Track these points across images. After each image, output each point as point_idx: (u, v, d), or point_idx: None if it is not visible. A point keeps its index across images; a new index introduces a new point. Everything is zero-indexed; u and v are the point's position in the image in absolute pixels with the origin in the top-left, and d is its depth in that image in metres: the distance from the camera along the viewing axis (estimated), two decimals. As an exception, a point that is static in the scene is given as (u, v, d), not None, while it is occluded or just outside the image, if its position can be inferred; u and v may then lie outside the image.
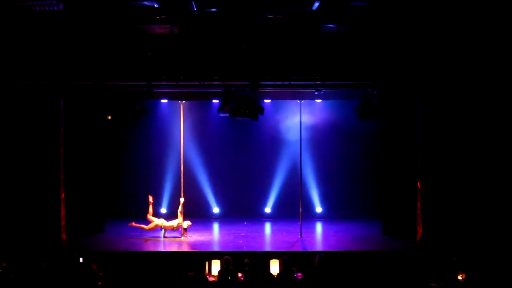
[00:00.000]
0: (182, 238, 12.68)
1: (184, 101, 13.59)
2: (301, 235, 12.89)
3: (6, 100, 12.11)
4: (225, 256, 9.44)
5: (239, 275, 9.48)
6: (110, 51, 11.80)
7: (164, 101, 15.07)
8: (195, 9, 10.36)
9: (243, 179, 15.87)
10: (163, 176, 15.42)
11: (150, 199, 12.95)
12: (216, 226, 14.36)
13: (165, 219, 12.97)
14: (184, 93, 12.77)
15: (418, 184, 12.65)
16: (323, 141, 15.78)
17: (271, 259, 10.32)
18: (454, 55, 11.64)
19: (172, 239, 12.67)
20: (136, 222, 12.95)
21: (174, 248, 11.90)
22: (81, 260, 9.78)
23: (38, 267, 9.30)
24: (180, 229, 12.75)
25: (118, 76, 11.90)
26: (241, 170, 15.87)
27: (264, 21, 10.92)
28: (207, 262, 10.35)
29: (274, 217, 15.49)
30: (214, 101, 14.60)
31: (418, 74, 11.88)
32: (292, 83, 12.04)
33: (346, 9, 10.56)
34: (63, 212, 12.60)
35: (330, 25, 11.37)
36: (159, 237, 12.82)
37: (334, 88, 12.51)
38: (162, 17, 10.91)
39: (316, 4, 10.14)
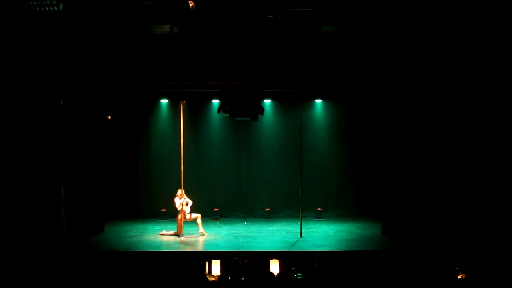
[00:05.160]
0: (182, 238, 12.70)
1: (184, 101, 13.60)
2: (301, 235, 12.90)
3: (6, 100, 12.10)
4: (234, 258, 9.41)
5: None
6: (110, 51, 11.81)
7: (164, 101, 15.11)
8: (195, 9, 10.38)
9: (243, 179, 15.88)
10: (163, 176, 15.44)
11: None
12: (216, 226, 14.36)
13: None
14: (184, 93, 12.78)
15: (418, 184, 12.66)
16: (323, 141, 15.81)
17: (271, 259, 10.34)
18: (450, 54, 11.68)
19: (172, 237, 12.71)
20: (166, 230, 13.28)
21: (174, 248, 11.89)
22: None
23: (39, 267, 9.31)
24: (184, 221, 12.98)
25: (118, 76, 11.92)
26: (241, 170, 15.89)
27: (264, 21, 10.93)
28: (207, 262, 10.36)
29: (274, 217, 15.50)
30: (214, 101, 14.64)
31: (419, 74, 11.92)
32: (292, 83, 12.06)
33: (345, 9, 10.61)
34: (63, 212, 12.60)
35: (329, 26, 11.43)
36: (161, 235, 13.03)
37: (334, 88, 12.57)
38: (162, 17, 10.93)
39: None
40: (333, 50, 11.91)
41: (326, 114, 15.67)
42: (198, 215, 13.12)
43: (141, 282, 8.83)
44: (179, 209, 12.89)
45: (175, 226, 13.10)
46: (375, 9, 10.73)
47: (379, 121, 13.82)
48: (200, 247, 12.15)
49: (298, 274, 9.26)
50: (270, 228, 14.18)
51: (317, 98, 14.95)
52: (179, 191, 13.03)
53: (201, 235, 12.94)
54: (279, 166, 15.73)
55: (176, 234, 12.91)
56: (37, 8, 9.67)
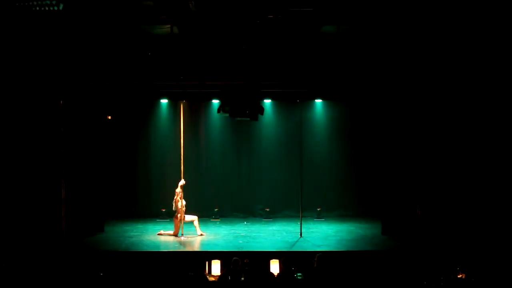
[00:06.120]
0: (182, 238, 12.69)
1: (184, 101, 13.60)
2: (301, 235, 12.90)
3: (6, 100, 12.11)
4: (234, 258, 9.42)
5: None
6: (110, 51, 11.82)
7: (164, 101, 15.11)
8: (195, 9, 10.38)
9: (243, 178, 15.88)
10: (163, 176, 15.43)
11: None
12: (216, 226, 14.36)
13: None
14: (184, 93, 12.79)
15: (418, 184, 12.65)
16: (323, 141, 15.81)
17: (271, 259, 10.33)
18: (450, 55, 11.69)
19: (171, 238, 12.70)
20: (164, 230, 13.24)
21: (174, 248, 11.89)
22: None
23: (39, 267, 9.31)
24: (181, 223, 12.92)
25: (118, 76, 11.93)
26: (241, 169, 15.89)
27: (264, 21, 10.93)
28: (207, 262, 10.36)
29: (274, 217, 15.50)
30: (214, 101, 14.64)
31: (419, 74, 11.93)
32: (292, 83, 12.06)
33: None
34: (63, 212, 12.60)
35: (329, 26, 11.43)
36: (159, 234, 13.03)
37: (334, 88, 12.58)
38: (162, 17, 10.94)
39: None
40: (333, 50, 11.91)
41: (326, 114, 15.67)
42: (195, 218, 13.06)
43: (141, 282, 8.83)
44: (179, 207, 12.84)
45: (173, 226, 13.08)
46: (375, 9, 10.73)
47: (379, 121, 13.81)
48: (200, 247, 12.14)
49: (298, 274, 9.27)
50: (270, 228, 14.18)
51: (317, 98, 14.95)
52: (182, 182, 12.92)
53: (201, 236, 12.94)
54: (279, 166, 15.73)
55: (173, 235, 12.89)
56: (37, 8, 9.67)
